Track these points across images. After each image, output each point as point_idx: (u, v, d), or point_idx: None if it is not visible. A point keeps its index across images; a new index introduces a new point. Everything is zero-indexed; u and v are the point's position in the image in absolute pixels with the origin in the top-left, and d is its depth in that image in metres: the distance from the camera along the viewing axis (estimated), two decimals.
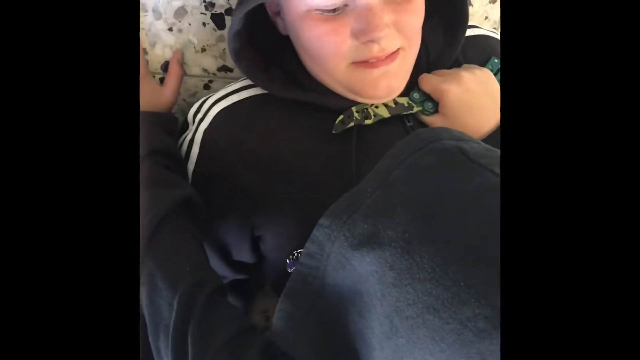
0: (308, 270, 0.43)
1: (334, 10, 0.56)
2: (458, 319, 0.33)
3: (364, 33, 0.56)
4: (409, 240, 0.37)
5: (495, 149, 0.43)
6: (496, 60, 0.73)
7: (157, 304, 0.53)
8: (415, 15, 0.59)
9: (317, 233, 0.42)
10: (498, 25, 0.91)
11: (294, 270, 0.44)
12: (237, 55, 0.62)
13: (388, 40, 0.58)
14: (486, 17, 0.89)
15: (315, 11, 0.56)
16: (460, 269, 0.34)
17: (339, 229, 0.41)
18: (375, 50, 0.57)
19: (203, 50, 0.76)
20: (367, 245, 0.38)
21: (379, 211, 0.40)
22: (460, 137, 0.44)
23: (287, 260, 0.64)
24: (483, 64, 0.73)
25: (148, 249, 0.55)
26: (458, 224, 0.37)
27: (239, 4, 0.58)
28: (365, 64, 0.59)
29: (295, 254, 0.63)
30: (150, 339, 0.53)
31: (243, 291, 0.88)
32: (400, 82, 0.63)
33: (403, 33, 0.59)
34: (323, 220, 0.42)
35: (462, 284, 0.33)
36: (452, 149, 0.42)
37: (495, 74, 0.71)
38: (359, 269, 0.39)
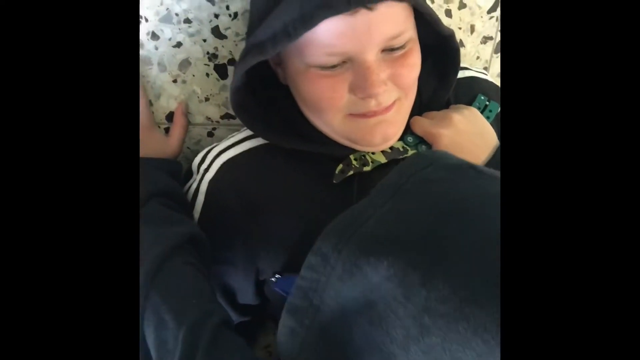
0: (309, 284, 0.43)
1: (332, 67, 0.58)
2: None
3: (362, 89, 0.58)
4: (435, 239, 0.37)
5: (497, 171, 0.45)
6: (482, 97, 0.76)
7: (164, 337, 0.53)
8: (412, 69, 0.61)
9: (321, 245, 0.42)
10: (489, 64, 0.94)
11: (295, 285, 0.44)
12: (239, 108, 0.65)
13: (385, 95, 0.60)
14: (477, 57, 0.92)
15: (314, 68, 0.59)
16: (495, 261, 0.33)
17: (348, 239, 0.41)
18: (372, 105, 0.60)
19: (207, 99, 0.79)
20: (383, 250, 0.38)
21: (394, 218, 0.41)
22: (464, 160, 0.46)
23: (272, 279, 0.66)
24: (470, 102, 0.76)
25: (154, 283, 0.56)
26: (483, 220, 0.37)
27: (241, 60, 0.60)
28: (361, 115, 0.62)
29: (278, 276, 0.66)
30: None
31: (246, 330, 0.89)
32: (396, 130, 0.65)
33: (400, 86, 0.61)
34: (327, 232, 0.43)
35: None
36: (463, 164, 0.44)
37: (482, 111, 0.74)
38: (371, 275, 0.38)
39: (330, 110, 0.62)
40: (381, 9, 0.55)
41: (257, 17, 0.62)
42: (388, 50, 0.59)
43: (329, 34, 0.55)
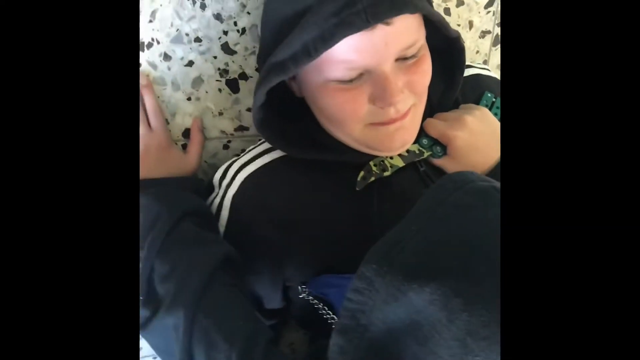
0: (356, 306, 0.45)
1: (350, 80, 0.60)
2: None
3: (382, 99, 0.60)
4: (472, 269, 0.40)
5: None
6: (489, 95, 0.78)
7: (214, 357, 0.56)
8: (425, 75, 0.64)
9: (364, 270, 0.44)
10: (488, 57, 0.97)
11: (342, 307, 0.46)
12: (262, 125, 0.67)
13: (402, 102, 0.62)
14: (477, 51, 0.95)
15: (333, 82, 0.60)
16: None
17: (390, 265, 0.43)
18: (392, 113, 0.62)
19: (220, 114, 0.81)
20: (424, 276, 0.41)
21: (431, 245, 0.43)
22: (487, 179, 0.48)
23: (299, 287, 0.68)
24: (478, 99, 0.78)
25: (200, 306, 0.59)
26: None
27: (262, 80, 0.62)
28: (381, 123, 0.64)
29: (304, 287, 0.68)
30: None
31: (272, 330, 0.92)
32: (412, 134, 0.68)
33: (415, 92, 0.63)
34: (369, 257, 0.45)
35: None
36: (488, 189, 0.46)
37: (490, 108, 0.77)
38: (415, 300, 0.41)
39: (351, 122, 0.63)
40: (397, 22, 0.57)
41: (271, 38, 0.63)
42: (402, 59, 0.61)
43: (348, 50, 0.57)
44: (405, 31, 0.59)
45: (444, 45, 0.70)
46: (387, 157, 0.69)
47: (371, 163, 0.68)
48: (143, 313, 0.63)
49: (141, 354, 0.97)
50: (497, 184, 0.47)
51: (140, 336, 0.66)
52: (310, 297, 0.69)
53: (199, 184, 0.77)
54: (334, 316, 0.68)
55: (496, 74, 0.96)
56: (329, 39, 0.55)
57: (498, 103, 0.78)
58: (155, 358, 0.99)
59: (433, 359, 0.40)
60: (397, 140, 0.66)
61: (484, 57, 0.97)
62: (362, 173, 0.68)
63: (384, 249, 0.44)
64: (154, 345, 0.66)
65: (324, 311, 0.67)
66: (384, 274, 0.43)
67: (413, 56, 0.62)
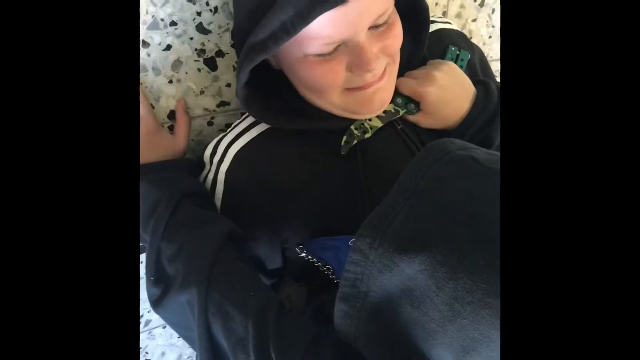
0: (354, 275, 0.49)
1: (329, 53, 0.63)
2: None
3: (359, 67, 0.64)
4: (455, 238, 0.43)
5: (494, 152, 0.52)
6: (453, 49, 0.83)
7: (232, 329, 0.60)
8: (397, 38, 0.67)
9: (359, 243, 0.48)
10: (447, 8, 1.01)
11: (342, 277, 0.51)
12: (247, 101, 0.70)
13: (379, 67, 0.66)
14: (436, 3, 0.99)
15: (312, 56, 0.64)
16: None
17: (381, 238, 0.47)
18: (369, 77, 0.66)
19: (202, 92, 0.84)
20: (413, 248, 0.45)
21: (416, 218, 0.47)
22: (465, 147, 0.52)
23: (297, 249, 0.74)
24: (443, 54, 0.83)
25: (211, 281, 0.63)
26: (491, 220, 0.43)
27: (243, 60, 0.64)
28: (357, 88, 0.68)
29: (301, 247, 0.74)
30: (231, 357, 0.61)
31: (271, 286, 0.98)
32: (389, 94, 0.72)
33: (388, 54, 0.67)
34: (362, 231, 0.49)
35: None
36: (465, 158, 0.50)
37: (455, 61, 0.82)
38: (406, 269, 0.45)
39: (330, 90, 0.67)
40: None
41: (247, 17, 0.65)
42: (374, 27, 0.65)
43: (325, 25, 0.60)
44: (376, 1, 0.62)
45: (409, 5, 0.74)
46: (366, 119, 0.74)
47: (352, 127, 0.73)
48: (154, 292, 0.67)
49: (150, 325, 1.03)
50: (475, 153, 0.51)
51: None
52: (309, 257, 0.74)
53: (191, 165, 0.80)
54: (330, 268, 0.74)
55: (456, 22, 1.01)
56: (306, 16, 0.58)
57: (462, 55, 0.83)
58: (164, 327, 1.05)
59: (426, 320, 0.44)
60: (376, 101, 0.70)
61: (442, 9, 1.01)
62: (344, 137, 0.72)
63: (374, 223, 0.48)
64: (168, 320, 0.70)
65: (320, 266, 0.73)
66: (377, 247, 0.47)
67: (385, 23, 0.65)
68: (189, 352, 1.13)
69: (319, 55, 0.64)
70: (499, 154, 0.51)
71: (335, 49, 0.64)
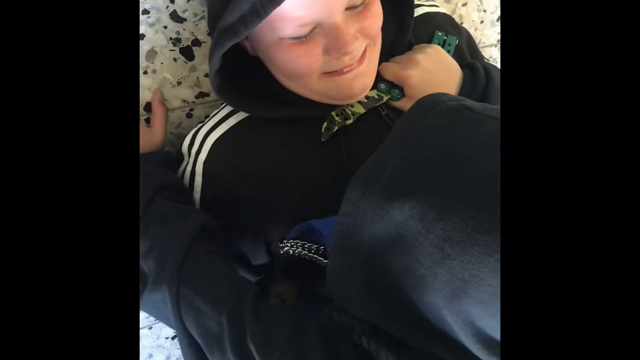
0: (346, 227, 0.48)
1: (304, 36, 0.61)
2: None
3: (336, 49, 0.61)
4: (445, 181, 0.43)
5: (491, 105, 0.50)
6: (440, 34, 0.80)
7: (206, 326, 0.58)
8: (377, 18, 0.65)
9: (351, 194, 0.48)
10: None
11: (335, 230, 0.50)
12: (221, 89, 0.67)
13: (357, 48, 0.63)
14: None
15: (287, 39, 0.61)
16: (497, 192, 0.39)
17: (372, 187, 0.46)
18: (347, 59, 0.63)
19: (179, 83, 0.81)
20: (402, 195, 0.44)
21: (407, 165, 0.46)
22: (458, 98, 0.51)
23: (279, 244, 0.71)
24: (429, 39, 0.80)
25: (181, 278, 0.60)
26: (482, 160, 0.42)
27: (215, 44, 0.62)
28: (336, 72, 0.65)
29: (286, 242, 0.71)
30: (208, 356, 0.58)
31: (259, 284, 0.95)
32: (371, 78, 0.69)
33: (368, 36, 0.65)
34: (353, 183, 0.48)
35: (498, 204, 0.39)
36: (458, 107, 0.49)
37: (442, 46, 0.79)
38: (397, 216, 0.44)
39: (308, 75, 0.65)
40: None
41: (218, 1, 0.63)
42: (351, 7, 0.62)
43: (297, 6, 0.58)
44: None
45: None
46: (347, 105, 0.71)
47: (333, 113, 0.70)
48: None
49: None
50: (468, 102, 0.50)
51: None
52: (293, 249, 0.71)
53: (168, 157, 0.78)
54: (320, 258, 0.71)
55: (445, 7, 0.98)
56: None
57: (450, 40, 0.80)
58: (150, 328, 1.02)
59: (417, 266, 0.43)
60: (357, 86, 0.67)
61: None
62: (325, 124, 0.69)
63: (365, 174, 0.48)
64: (152, 315, 0.68)
65: (308, 255, 0.70)
66: (368, 196, 0.46)
67: (362, 3, 0.63)
68: (177, 353, 1.10)
69: (294, 38, 0.61)
70: (493, 106, 0.50)
71: (311, 32, 0.61)
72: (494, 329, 0.40)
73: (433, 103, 0.50)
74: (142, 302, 0.64)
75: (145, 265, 0.63)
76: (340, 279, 0.51)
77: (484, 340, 0.42)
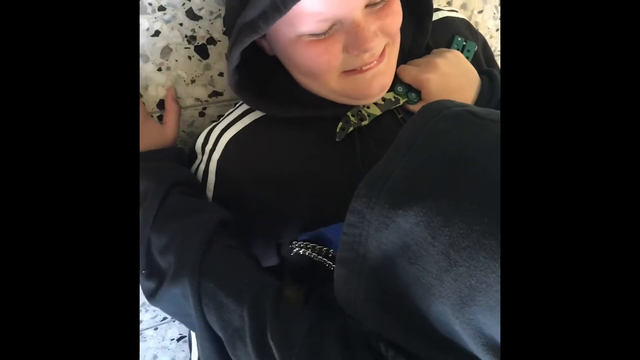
0: (352, 238, 0.47)
1: (323, 33, 0.60)
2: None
3: (356, 47, 0.60)
4: (449, 186, 0.42)
5: (495, 110, 0.49)
6: (459, 39, 0.79)
7: (227, 319, 0.57)
8: (396, 16, 0.64)
9: (356, 204, 0.47)
10: None
11: (340, 240, 0.49)
12: (239, 87, 0.67)
13: (377, 46, 0.63)
14: None
15: (306, 36, 0.60)
16: (499, 198, 0.38)
17: (377, 196, 0.45)
18: (367, 57, 0.62)
19: (193, 81, 0.80)
20: (407, 201, 0.43)
21: (412, 172, 0.45)
22: (463, 105, 0.50)
23: (290, 246, 0.69)
24: (449, 43, 0.79)
25: (202, 272, 0.59)
26: (487, 164, 0.42)
27: (234, 42, 0.61)
28: (355, 71, 0.64)
29: (296, 243, 0.69)
30: (228, 350, 0.58)
31: None
32: (389, 78, 0.68)
33: (388, 34, 0.64)
34: (359, 192, 0.47)
35: None
36: (462, 113, 0.48)
37: (461, 52, 0.78)
38: (403, 224, 0.43)
39: (327, 73, 0.64)
40: None
41: None
42: (371, 5, 0.61)
43: (318, 2, 0.57)
44: None
45: None
46: (364, 106, 0.70)
47: (349, 113, 0.69)
48: (149, 285, 0.64)
49: (141, 326, 0.99)
50: (472, 107, 0.49)
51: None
52: (302, 250, 0.70)
53: (180, 154, 0.77)
54: (329, 262, 0.69)
55: (461, 14, 0.97)
56: None
57: (469, 46, 0.79)
58: (155, 329, 1.01)
59: (424, 274, 0.43)
60: (375, 86, 0.66)
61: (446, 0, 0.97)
62: (340, 124, 0.68)
63: (370, 182, 0.47)
64: (167, 312, 0.67)
65: (318, 257, 0.69)
66: (373, 205, 0.45)
67: (382, 0, 0.62)
68: (182, 355, 1.09)
69: (313, 35, 0.60)
70: (497, 110, 0.49)
71: (330, 28, 0.60)
72: None
73: (438, 109, 0.50)
74: (159, 297, 0.63)
75: (163, 260, 0.63)
76: (348, 290, 0.50)
77: (494, 349, 0.41)
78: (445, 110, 0.49)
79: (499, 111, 0.49)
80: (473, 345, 0.42)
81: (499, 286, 0.38)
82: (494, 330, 0.40)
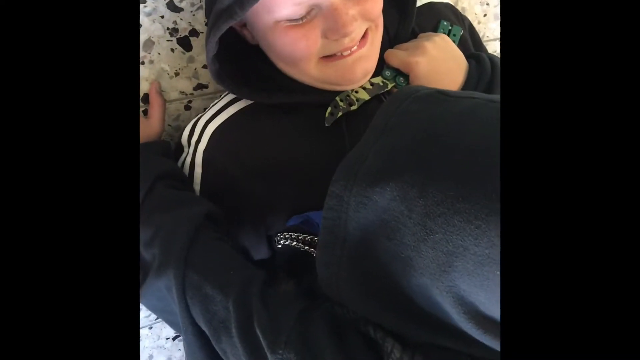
0: (332, 221, 0.48)
1: (301, 18, 0.59)
2: (484, 198, 0.38)
3: (335, 31, 0.60)
4: (423, 160, 0.43)
5: (467, 91, 0.51)
6: (445, 23, 0.78)
7: (213, 310, 0.56)
8: (376, 0, 0.63)
9: (334, 188, 0.48)
10: None
11: (321, 225, 0.49)
12: (219, 75, 0.66)
13: (356, 30, 0.62)
14: None
15: (284, 21, 0.60)
16: (473, 161, 0.40)
17: (354, 178, 0.46)
18: (346, 42, 0.62)
19: (177, 74, 0.79)
20: (384, 178, 0.44)
21: (387, 152, 0.46)
22: (433, 88, 0.52)
23: (276, 238, 0.69)
24: (434, 28, 0.78)
25: (187, 264, 0.58)
26: (457, 136, 0.43)
27: (211, 29, 0.60)
28: (335, 56, 0.63)
29: (281, 235, 0.68)
30: (214, 343, 0.56)
31: None
32: (372, 62, 0.67)
33: (369, 19, 0.63)
34: (336, 176, 0.48)
35: (477, 170, 0.40)
36: (433, 92, 0.50)
37: (448, 35, 0.77)
38: (380, 201, 0.44)
39: (305, 59, 0.63)
40: None
41: None
42: None
43: None
44: None
45: None
46: (352, 91, 0.69)
47: (337, 98, 0.68)
48: None
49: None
50: (442, 89, 0.50)
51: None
52: (288, 242, 0.69)
53: (166, 147, 0.76)
54: (314, 250, 0.68)
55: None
56: None
57: (455, 30, 0.78)
58: (150, 328, 1.00)
59: (402, 248, 0.43)
60: (358, 71, 0.66)
61: None
62: (329, 109, 0.67)
63: (347, 165, 0.48)
64: (151, 308, 0.66)
65: (303, 247, 0.68)
66: (351, 187, 0.46)
67: None
68: (179, 354, 1.08)
69: (291, 20, 0.60)
70: (468, 92, 0.51)
71: (308, 13, 0.60)
72: (484, 304, 0.40)
73: (409, 92, 0.51)
74: (143, 291, 0.62)
75: (148, 253, 0.62)
76: (330, 275, 0.50)
77: (476, 318, 0.41)
78: (416, 93, 0.50)
79: (469, 92, 0.50)
80: (456, 316, 0.42)
81: (475, 249, 0.39)
82: (474, 297, 0.40)
